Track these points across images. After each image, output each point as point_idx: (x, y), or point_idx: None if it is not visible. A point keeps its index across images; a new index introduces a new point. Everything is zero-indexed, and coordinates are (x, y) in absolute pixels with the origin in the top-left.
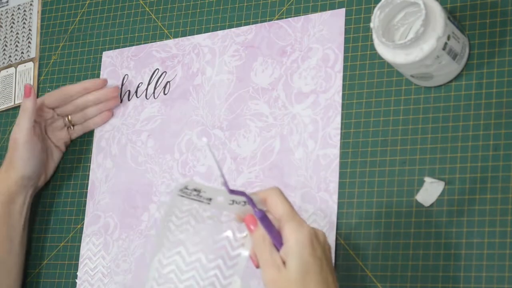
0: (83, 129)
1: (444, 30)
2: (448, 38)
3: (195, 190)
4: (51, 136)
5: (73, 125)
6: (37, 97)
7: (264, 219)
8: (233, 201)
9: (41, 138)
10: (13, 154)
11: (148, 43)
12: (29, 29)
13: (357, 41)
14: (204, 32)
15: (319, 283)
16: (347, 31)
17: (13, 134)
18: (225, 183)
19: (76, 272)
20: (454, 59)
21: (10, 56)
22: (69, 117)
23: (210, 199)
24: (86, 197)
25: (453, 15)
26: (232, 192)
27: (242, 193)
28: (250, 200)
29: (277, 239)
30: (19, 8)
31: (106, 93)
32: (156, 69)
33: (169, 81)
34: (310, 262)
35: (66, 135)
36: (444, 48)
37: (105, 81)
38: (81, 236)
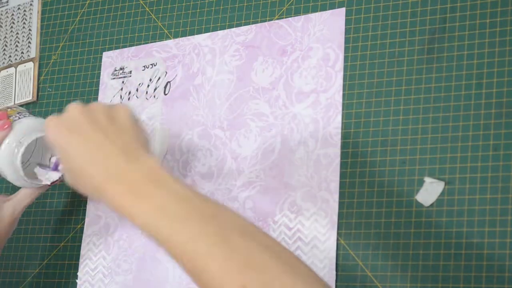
0: None
1: None
2: None
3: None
4: None
5: None
6: (38, 97)
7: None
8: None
9: None
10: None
11: (148, 43)
12: (29, 29)
13: (357, 41)
14: (204, 32)
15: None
16: (347, 31)
17: None
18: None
19: (76, 272)
20: None
21: (10, 56)
22: None
23: None
24: (86, 197)
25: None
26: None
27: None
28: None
29: None
30: (19, 8)
31: None
32: (157, 69)
33: (169, 81)
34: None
35: None
36: None
37: None
38: (81, 236)
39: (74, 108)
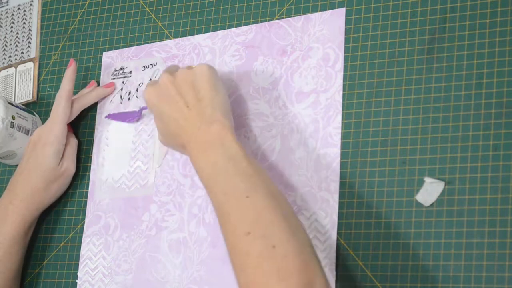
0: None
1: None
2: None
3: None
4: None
5: None
6: (38, 97)
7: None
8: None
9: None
10: (50, 186)
11: (148, 43)
12: (29, 29)
13: (357, 41)
14: (204, 32)
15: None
16: (347, 31)
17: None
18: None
19: (76, 272)
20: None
21: (10, 56)
22: None
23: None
24: (86, 197)
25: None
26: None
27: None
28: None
29: None
30: (19, 8)
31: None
32: (157, 69)
33: None
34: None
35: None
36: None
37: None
38: (81, 236)
39: (165, 78)
